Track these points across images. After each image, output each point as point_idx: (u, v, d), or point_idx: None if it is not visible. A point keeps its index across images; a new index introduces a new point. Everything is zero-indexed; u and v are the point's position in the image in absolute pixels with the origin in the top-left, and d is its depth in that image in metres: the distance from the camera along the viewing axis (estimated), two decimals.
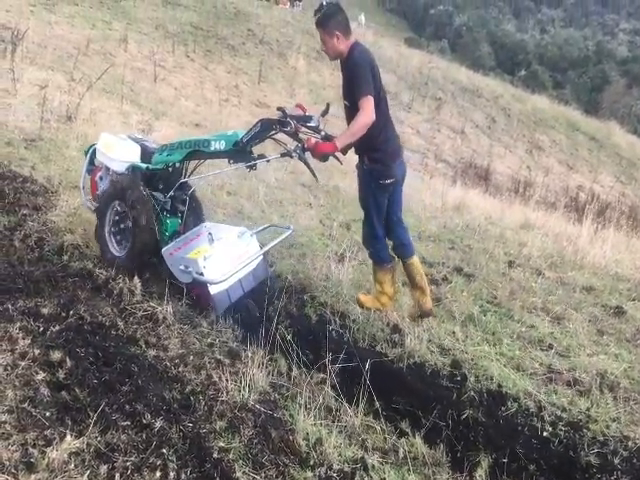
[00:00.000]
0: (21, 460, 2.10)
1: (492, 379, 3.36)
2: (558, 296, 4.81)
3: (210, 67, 19.03)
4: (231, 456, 2.35)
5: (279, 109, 3.48)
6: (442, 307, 4.27)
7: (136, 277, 3.57)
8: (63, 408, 2.41)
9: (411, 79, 25.42)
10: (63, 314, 3.03)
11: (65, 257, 3.69)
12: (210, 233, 3.59)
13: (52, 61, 11.03)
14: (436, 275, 4.92)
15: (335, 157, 3.68)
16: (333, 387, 3.01)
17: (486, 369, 3.46)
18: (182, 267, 3.43)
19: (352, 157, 3.92)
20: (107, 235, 3.78)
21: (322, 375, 3.09)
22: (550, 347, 3.86)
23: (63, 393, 2.48)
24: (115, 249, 3.77)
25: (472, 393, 3.17)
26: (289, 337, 3.36)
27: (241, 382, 2.79)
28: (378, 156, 3.64)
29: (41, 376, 2.55)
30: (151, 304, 3.36)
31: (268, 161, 3.54)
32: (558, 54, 59.45)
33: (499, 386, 3.31)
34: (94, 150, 4.15)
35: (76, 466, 2.14)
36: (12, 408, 2.33)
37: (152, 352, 2.94)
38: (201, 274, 3.37)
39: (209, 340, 3.24)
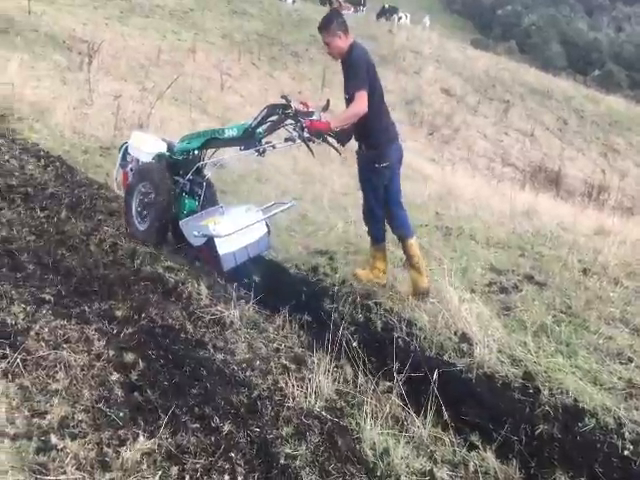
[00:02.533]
0: (96, 459, 2.17)
1: (567, 393, 3.21)
2: (638, 306, 4.55)
3: (275, 74, 19.33)
4: (298, 463, 2.34)
5: (283, 97, 3.88)
6: (512, 316, 4.13)
7: (203, 282, 3.64)
8: (136, 409, 2.48)
9: (477, 81, 24.91)
10: (135, 317, 3.12)
11: (137, 261, 3.80)
12: (222, 207, 4.10)
13: (125, 72, 11.50)
14: (505, 283, 4.76)
15: (334, 148, 4.24)
16: (400, 396, 2.95)
17: (561, 382, 3.31)
18: (195, 232, 3.85)
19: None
20: (133, 212, 4.26)
21: (388, 383, 3.03)
22: (630, 360, 3.65)
23: (136, 394, 2.55)
24: (138, 223, 4.23)
25: (546, 407, 3.04)
26: (354, 344, 3.33)
27: (307, 388, 2.78)
28: (374, 142, 4.05)
29: (115, 377, 2.63)
30: (218, 308, 3.41)
31: (274, 147, 3.97)
32: (635, 53, 56.67)
33: (575, 400, 3.15)
34: (127, 147, 4.63)
35: (148, 466, 2.19)
36: (88, 407, 2.41)
37: (220, 356, 2.98)
38: (210, 234, 3.78)
39: (275, 345, 3.25)
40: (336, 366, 3.14)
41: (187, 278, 3.67)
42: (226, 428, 2.43)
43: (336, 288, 4.24)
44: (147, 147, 4.41)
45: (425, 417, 2.81)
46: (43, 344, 2.72)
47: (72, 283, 3.36)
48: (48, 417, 2.31)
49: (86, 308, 3.09)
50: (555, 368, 3.46)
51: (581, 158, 20.30)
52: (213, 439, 2.38)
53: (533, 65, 31.17)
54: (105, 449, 2.22)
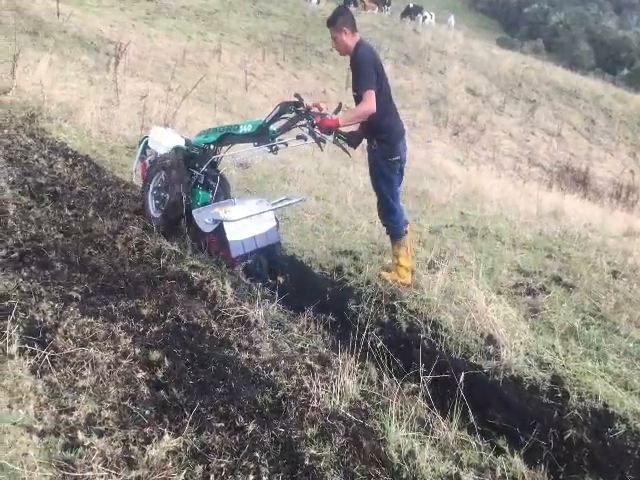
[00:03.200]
0: (122, 456, 2.18)
1: (597, 397, 3.15)
2: None
3: (299, 74, 19.36)
4: (322, 464, 2.32)
5: (295, 95, 4.00)
6: (540, 319, 4.06)
7: (228, 281, 3.65)
8: (161, 407, 2.49)
9: (503, 81, 24.62)
10: (161, 315, 3.14)
11: (163, 260, 3.83)
12: (234, 199, 4.27)
13: (151, 72, 11.61)
14: (532, 285, 4.69)
15: (344, 149, 4.34)
16: (425, 398, 2.92)
17: (590, 386, 3.25)
18: (206, 220, 3.99)
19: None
20: (149, 199, 4.44)
21: (414, 385, 3.00)
22: None
23: (161, 392, 2.56)
24: (154, 211, 4.39)
25: (575, 412, 2.98)
26: (379, 345, 3.30)
27: (332, 389, 2.77)
28: (384, 137, 4.14)
29: (141, 375, 2.64)
30: (243, 307, 3.41)
31: (286, 145, 4.10)
32: None
33: (605, 405, 3.09)
34: (147, 140, 4.81)
35: (173, 465, 2.19)
36: (114, 405, 2.43)
37: (244, 355, 2.97)
38: (220, 219, 3.93)
39: (299, 345, 3.24)
40: (361, 367, 3.12)
41: (212, 277, 3.68)
42: (250, 428, 2.43)
43: (361, 288, 4.21)
44: (166, 141, 4.56)
45: (451, 420, 2.78)
46: (71, 341, 2.75)
47: (99, 281, 3.39)
48: (75, 414, 2.33)
49: (113, 306, 3.12)
50: (584, 372, 3.39)
51: (609, 158, 19.94)
52: (238, 438, 2.38)
53: (560, 64, 30.65)
54: (131, 447, 2.23)
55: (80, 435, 2.20)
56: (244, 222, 4.03)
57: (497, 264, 5.11)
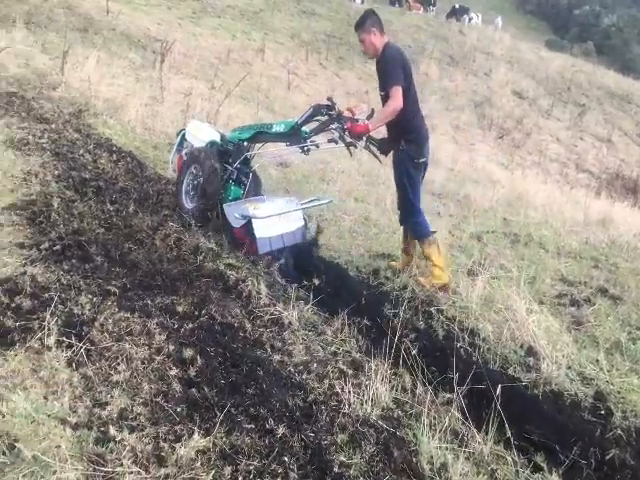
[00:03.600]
0: (153, 453, 2.18)
1: None
2: None
3: (341, 74, 19.31)
4: (352, 472, 2.28)
5: (328, 98, 4.06)
6: (584, 331, 3.91)
7: (263, 281, 3.64)
8: (193, 405, 2.48)
9: (551, 84, 24.03)
10: (196, 313, 3.15)
11: (200, 257, 3.84)
12: (264, 196, 4.44)
13: (196, 70, 11.76)
14: (577, 295, 4.52)
15: (375, 156, 4.35)
16: (460, 409, 2.83)
17: (635, 404, 3.11)
18: (236, 215, 4.09)
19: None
20: (183, 191, 4.57)
21: (448, 395, 2.92)
22: None
23: (193, 390, 2.56)
24: (187, 202, 4.51)
25: (618, 431, 2.85)
26: (414, 352, 3.23)
27: (364, 395, 2.72)
28: (412, 137, 4.15)
29: (174, 372, 2.65)
30: (277, 308, 3.39)
31: (317, 146, 4.13)
32: None
33: None
34: (184, 133, 4.96)
35: (202, 464, 2.18)
36: (147, 401, 2.44)
37: (277, 357, 2.95)
38: (249, 215, 4.03)
39: (332, 349, 3.20)
40: (394, 373, 3.07)
41: (247, 276, 3.67)
42: (280, 431, 2.40)
43: (397, 293, 4.15)
44: (202, 135, 4.72)
45: (486, 433, 2.69)
46: (107, 335, 2.78)
47: (137, 276, 3.43)
48: (108, 408, 2.35)
49: (149, 302, 3.14)
50: (629, 389, 3.25)
51: None
52: (267, 441, 2.35)
53: (612, 67, 29.75)
54: (162, 444, 2.24)
55: (112, 430, 2.22)
56: (273, 220, 4.09)
57: (540, 273, 4.96)
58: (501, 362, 3.40)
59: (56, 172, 4.67)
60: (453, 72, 22.72)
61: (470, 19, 29.55)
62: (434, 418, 2.71)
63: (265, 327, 3.24)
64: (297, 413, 2.55)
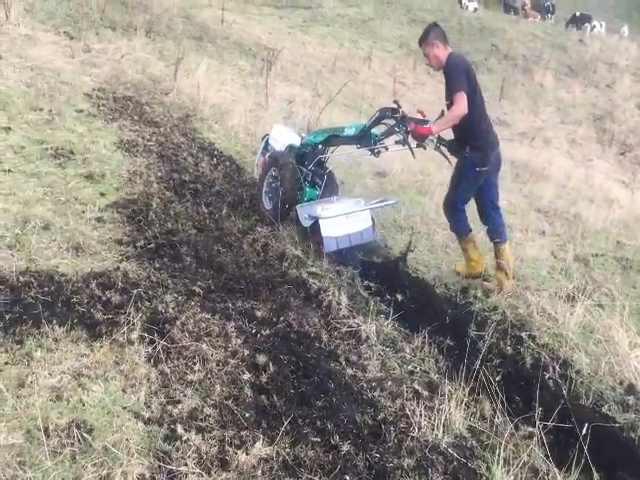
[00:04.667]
0: (217, 456, 2.21)
1: None
2: None
3: None
4: None
5: (395, 102, 4.12)
6: None
7: (344, 292, 3.60)
8: (261, 412, 2.50)
9: None
10: (274, 319, 3.17)
11: (285, 264, 3.87)
12: (335, 198, 4.58)
13: (302, 78, 11.96)
14: None
15: (445, 157, 4.33)
16: (542, 445, 2.63)
17: None
18: (306, 215, 4.28)
19: None
20: (263, 192, 4.77)
21: (530, 429, 2.73)
22: None
23: (263, 397, 2.57)
24: (267, 203, 4.71)
25: None
26: (498, 378, 3.05)
27: (435, 420, 2.60)
28: (479, 144, 4.10)
29: (247, 376, 2.68)
30: (356, 321, 3.34)
31: (387, 149, 4.22)
32: None
33: None
34: (268, 138, 5.22)
35: (263, 473, 2.18)
36: (217, 403, 2.48)
37: (350, 371, 2.90)
38: (316, 215, 4.18)
39: (410, 367, 3.10)
40: (474, 400, 2.91)
41: (329, 286, 3.65)
42: (345, 448, 2.35)
43: (486, 314, 3.95)
44: (283, 138, 4.98)
45: (569, 474, 2.47)
46: (187, 334, 2.86)
47: (222, 279, 3.51)
48: (180, 406, 2.41)
49: (230, 305, 3.21)
50: None
51: None
52: (331, 457, 2.31)
53: None
54: (227, 447, 2.26)
55: (180, 429, 2.27)
56: (340, 220, 4.21)
57: None
58: (595, 398, 3.13)
59: (159, 173, 4.90)
60: (571, 83, 21.51)
61: (592, 27, 27.89)
62: (512, 452, 2.54)
63: (342, 339, 3.20)
64: (365, 431, 2.49)
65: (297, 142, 4.87)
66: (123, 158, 4.98)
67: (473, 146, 4.10)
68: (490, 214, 4.33)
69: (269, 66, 9.96)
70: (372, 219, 4.41)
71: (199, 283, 3.37)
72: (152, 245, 3.67)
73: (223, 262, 3.72)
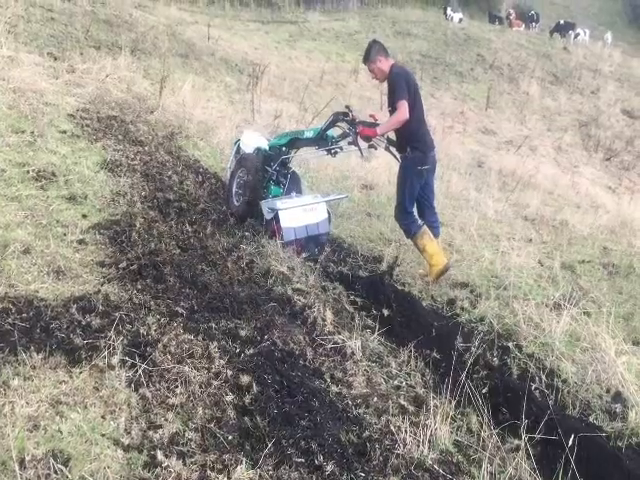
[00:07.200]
0: None
1: None
2: None
3: (437, 94, 19.00)
4: None
5: (346, 106, 4.70)
6: None
7: (329, 308, 3.58)
8: (245, 434, 2.46)
9: None
10: (258, 338, 3.14)
11: (270, 281, 3.85)
12: (294, 194, 5.05)
13: (288, 92, 12.02)
14: None
15: (394, 156, 4.70)
16: (528, 458, 2.61)
17: None
18: (268, 208, 4.72)
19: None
20: (232, 192, 5.15)
21: (517, 441, 2.70)
22: None
23: (246, 418, 2.54)
24: (235, 201, 5.10)
25: None
26: (484, 390, 3.04)
27: (421, 435, 2.57)
28: (419, 145, 4.50)
29: (230, 398, 2.65)
30: (341, 337, 3.32)
31: (341, 149, 4.74)
32: None
33: None
34: (239, 142, 5.54)
35: None
36: (199, 427, 2.44)
37: (335, 388, 2.88)
38: (275, 208, 4.60)
39: (396, 382, 3.08)
40: (461, 413, 2.89)
41: (315, 302, 3.63)
42: (329, 468, 2.32)
43: (473, 325, 3.94)
44: (252, 142, 5.33)
45: None
46: (169, 357, 2.83)
47: (206, 298, 3.49)
48: (160, 432, 2.37)
49: (213, 324, 3.18)
50: None
51: None
52: (315, 478, 2.28)
53: None
54: (208, 472, 2.22)
55: (160, 455, 2.24)
56: (297, 212, 4.64)
57: (638, 309, 4.55)
58: (582, 408, 3.12)
59: (143, 193, 4.88)
60: (556, 91, 21.70)
61: (576, 35, 28.21)
62: (499, 465, 2.52)
63: (327, 356, 3.17)
64: (349, 450, 2.46)
65: (264, 145, 5.27)
66: (106, 178, 4.95)
67: (413, 147, 4.50)
68: (427, 213, 4.73)
69: (255, 81, 10.01)
70: (328, 212, 4.83)
71: (182, 303, 3.34)
72: (135, 266, 3.64)
73: (207, 281, 3.70)
